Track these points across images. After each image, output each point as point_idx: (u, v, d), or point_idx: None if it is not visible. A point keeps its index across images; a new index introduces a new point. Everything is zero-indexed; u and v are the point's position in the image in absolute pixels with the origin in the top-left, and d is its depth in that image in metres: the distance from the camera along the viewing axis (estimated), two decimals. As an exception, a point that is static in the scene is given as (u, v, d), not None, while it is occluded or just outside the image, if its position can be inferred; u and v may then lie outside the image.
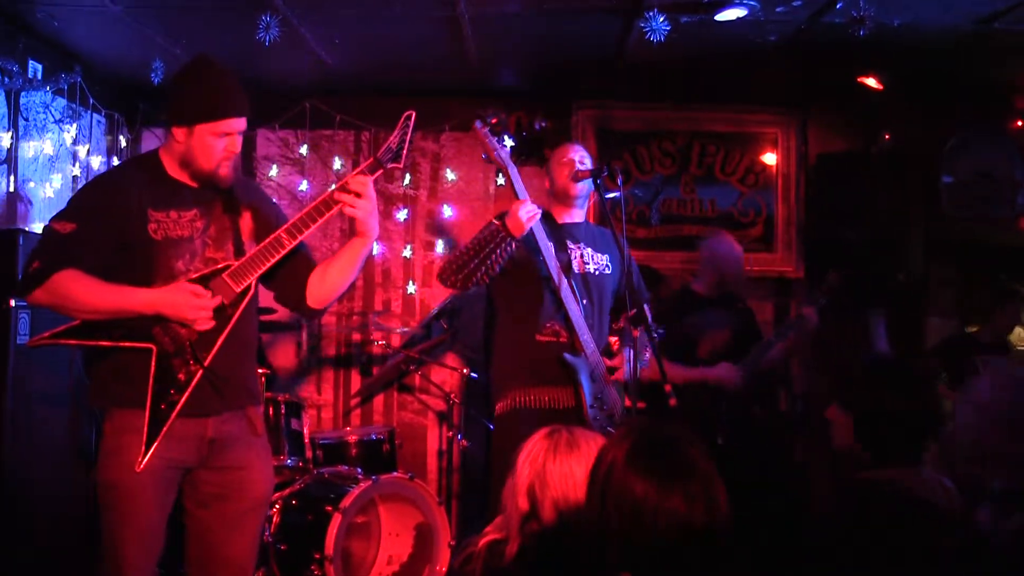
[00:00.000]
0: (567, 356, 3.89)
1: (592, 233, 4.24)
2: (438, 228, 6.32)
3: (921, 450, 2.69)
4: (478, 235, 3.91)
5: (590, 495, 1.99)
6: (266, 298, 3.40)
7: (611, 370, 4.03)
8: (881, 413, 2.68)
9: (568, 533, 2.36)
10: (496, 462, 3.99)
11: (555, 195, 4.18)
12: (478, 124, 3.95)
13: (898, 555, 2.37)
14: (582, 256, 4.08)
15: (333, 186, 6.08)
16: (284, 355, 6.25)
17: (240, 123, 3.09)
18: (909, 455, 2.68)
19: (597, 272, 4.10)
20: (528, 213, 3.81)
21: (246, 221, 3.23)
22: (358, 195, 3.11)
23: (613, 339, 4.32)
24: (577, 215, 4.19)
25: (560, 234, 4.08)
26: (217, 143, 3.05)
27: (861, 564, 2.39)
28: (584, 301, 4.00)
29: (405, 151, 3.24)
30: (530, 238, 3.89)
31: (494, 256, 3.83)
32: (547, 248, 3.92)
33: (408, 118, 3.24)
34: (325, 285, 3.28)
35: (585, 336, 3.91)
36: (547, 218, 4.15)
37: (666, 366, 4.80)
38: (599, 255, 4.14)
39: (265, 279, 3.25)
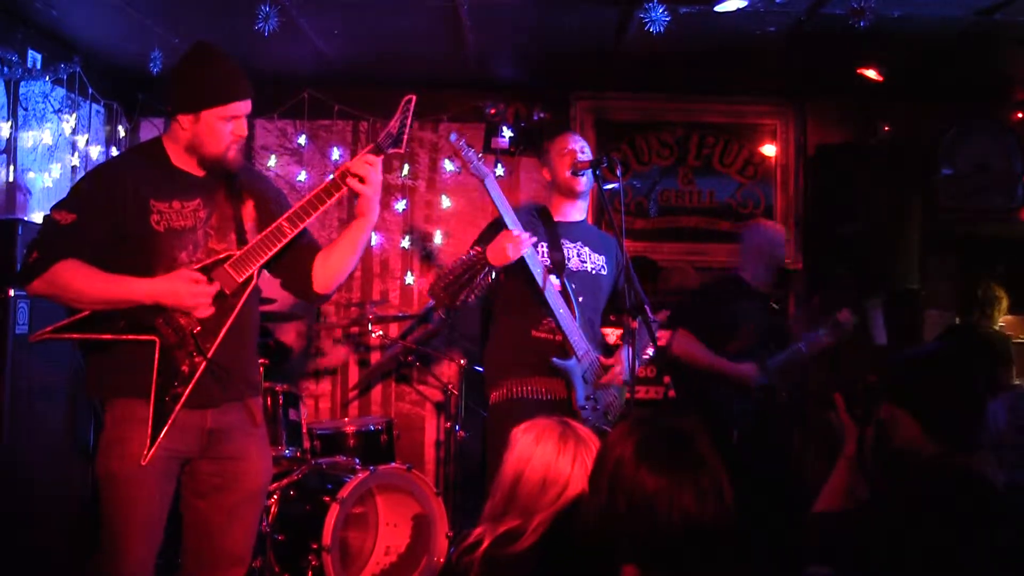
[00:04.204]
0: (556, 361, 3.86)
1: (589, 232, 4.21)
2: (437, 219, 6.32)
3: (980, 435, 2.73)
4: (463, 258, 3.89)
5: (595, 489, 1.99)
6: (265, 288, 3.40)
7: (606, 368, 4.01)
8: (949, 402, 2.70)
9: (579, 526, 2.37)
10: (490, 452, 3.99)
11: (556, 187, 4.13)
12: (453, 137, 3.89)
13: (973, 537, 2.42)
14: (579, 255, 4.06)
15: (331, 176, 6.10)
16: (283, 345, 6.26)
17: (246, 106, 3.10)
18: (974, 441, 2.71)
19: (594, 271, 4.08)
20: (514, 246, 3.77)
21: (248, 210, 3.22)
22: (362, 179, 3.15)
23: (610, 330, 4.30)
24: (578, 210, 4.16)
25: (556, 232, 4.06)
26: (224, 127, 3.06)
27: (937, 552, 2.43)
28: (580, 298, 3.98)
29: (406, 136, 3.25)
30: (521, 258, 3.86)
31: (475, 283, 3.82)
32: (537, 267, 3.88)
33: (408, 102, 3.25)
34: (329, 269, 3.28)
35: (575, 338, 3.90)
36: (544, 214, 4.13)
37: (696, 349, 4.83)
38: (595, 255, 4.12)
39: (270, 267, 3.26)
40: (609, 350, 4.10)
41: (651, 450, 1.91)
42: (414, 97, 3.25)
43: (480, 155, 3.92)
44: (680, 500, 1.85)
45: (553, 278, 3.92)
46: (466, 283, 3.84)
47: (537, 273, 3.87)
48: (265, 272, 3.25)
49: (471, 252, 3.87)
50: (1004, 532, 2.46)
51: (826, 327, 4.96)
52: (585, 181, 4.07)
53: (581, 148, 4.09)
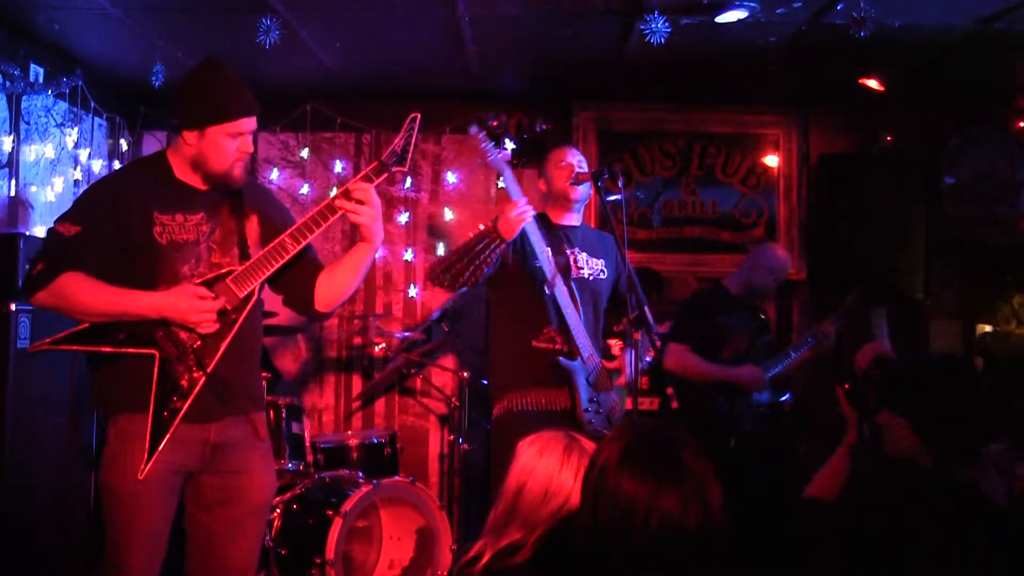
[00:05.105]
0: (562, 360, 3.87)
1: (588, 237, 4.22)
2: (440, 231, 6.32)
3: (981, 448, 2.68)
4: (467, 239, 3.88)
5: (583, 496, 2.01)
6: (267, 302, 3.40)
7: (610, 373, 4.01)
8: (944, 412, 2.64)
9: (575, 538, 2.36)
10: (495, 465, 3.99)
11: (553, 198, 4.15)
12: (474, 129, 3.93)
13: (964, 551, 2.38)
14: (576, 261, 4.07)
15: (335, 190, 6.10)
16: (286, 358, 6.25)
17: (251, 122, 3.10)
18: (971, 453, 2.65)
19: (592, 277, 4.08)
20: (518, 214, 3.77)
21: (252, 225, 3.22)
22: (360, 202, 3.11)
23: (613, 342, 4.30)
24: (574, 218, 4.17)
25: (557, 235, 4.06)
26: (230, 144, 3.06)
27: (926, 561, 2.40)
28: (582, 304, 3.99)
29: (410, 154, 3.22)
30: (526, 242, 3.87)
31: (482, 257, 3.79)
32: (543, 251, 3.90)
33: (413, 120, 3.22)
34: (331, 289, 3.28)
35: (582, 340, 3.90)
36: (543, 219, 4.13)
37: (690, 360, 4.83)
38: (594, 259, 4.12)
39: (273, 282, 3.25)
40: (610, 358, 4.10)
41: (633, 457, 1.93)
42: (419, 115, 3.23)
43: (499, 149, 3.95)
44: (661, 506, 1.86)
45: (560, 281, 3.92)
46: (472, 259, 3.80)
47: (546, 263, 3.88)
48: (268, 286, 3.24)
49: (479, 230, 3.85)
50: (1001, 547, 2.43)
51: (811, 338, 5.00)
52: (581, 189, 4.08)
53: (579, 163, 4.11)
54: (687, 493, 1.87)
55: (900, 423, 2.68)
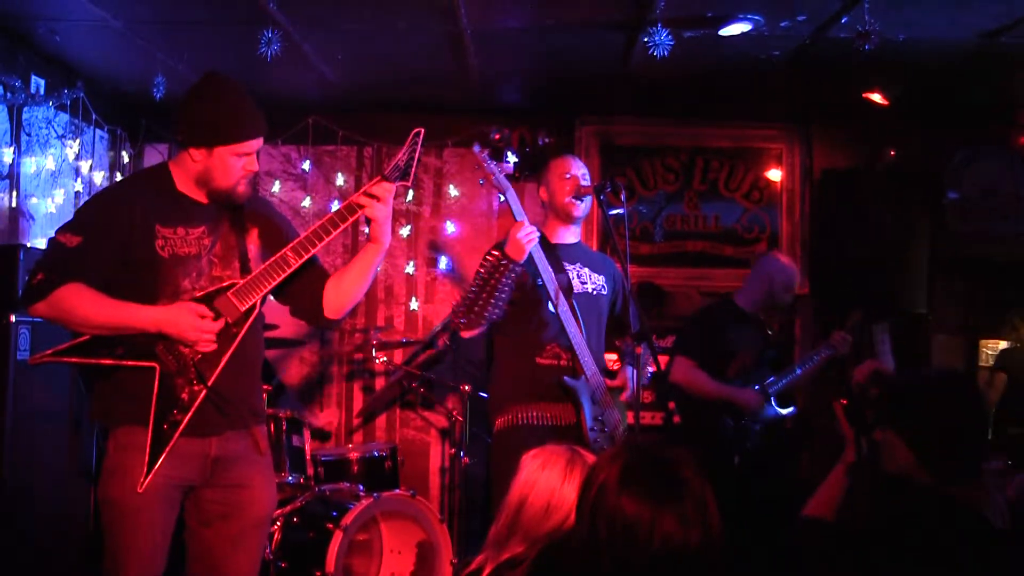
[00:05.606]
0: (567, 380, 3.85)
1: (586, 253, 4.20)
2: (441, 244, 6.31)
3: (981, 466, 2.63)
4: (479, 271, 3.85)
5: (579, 513, 1.99)
6: (269, 314, 3.38)
7: (612, 390, 3.99)
8: (942, 430, 2.59)
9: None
10: (495, 478, 3.96)
11: (553, 210, 4.11)
12: (476, 148, 3.92)
13: (962, 571, 2.35)
14: (579, 276, 4.04)
15: (335, 205, 6.09)
16: (288, 371, 6.23)
17: (259, 142, 3.10)
18: (970, 472, 2.61)
19: (594, 292, 4.06)
20: (527, 236, 3.75)
21: (253, 239, 3.21)
22: (377, 199, 3.12)
23: (612, 357, 4.28)
24: (572, 233, 4.14)
25: (555, 255, 4.03)
26: (237, 163, 3.05)
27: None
28: (584, 320, 3.96)
29: (413, 169, 3.21)
30: (530, 261, 3.85)
31: (500, 286, 3.77)
32: (547, 270, 3.87)
33: (417, 135, 3.22)
34: (340, 294, 3.27)
35: (586, 358, 3.88)
36: (541, 241, 4.11)
37: (697, 376, 4.81)
38: (595, 275, 4.10)
39: (279, 294, 3.24)
40: (611, 375, 4.08)
41: (634, 476, 1.90)
42: (423, 130, 3.22)
43: (500, 167, 3.92)
44: (663, 527, 1.84)
45: (563, 300, 3.90)
46: (492, 292, 3.78)
47: (549, 282, 3.86)
48: (270, 298, 3.23)
49: (486, 259, 3.83)
50: (1000, 566, 2.40)
51: (821, 350, 4.98)
52: (583, 206, 4.06)
53: (583, 175, 4.09)
54: (687, 512, 1.85)
55: (897, 441, 2.65)
